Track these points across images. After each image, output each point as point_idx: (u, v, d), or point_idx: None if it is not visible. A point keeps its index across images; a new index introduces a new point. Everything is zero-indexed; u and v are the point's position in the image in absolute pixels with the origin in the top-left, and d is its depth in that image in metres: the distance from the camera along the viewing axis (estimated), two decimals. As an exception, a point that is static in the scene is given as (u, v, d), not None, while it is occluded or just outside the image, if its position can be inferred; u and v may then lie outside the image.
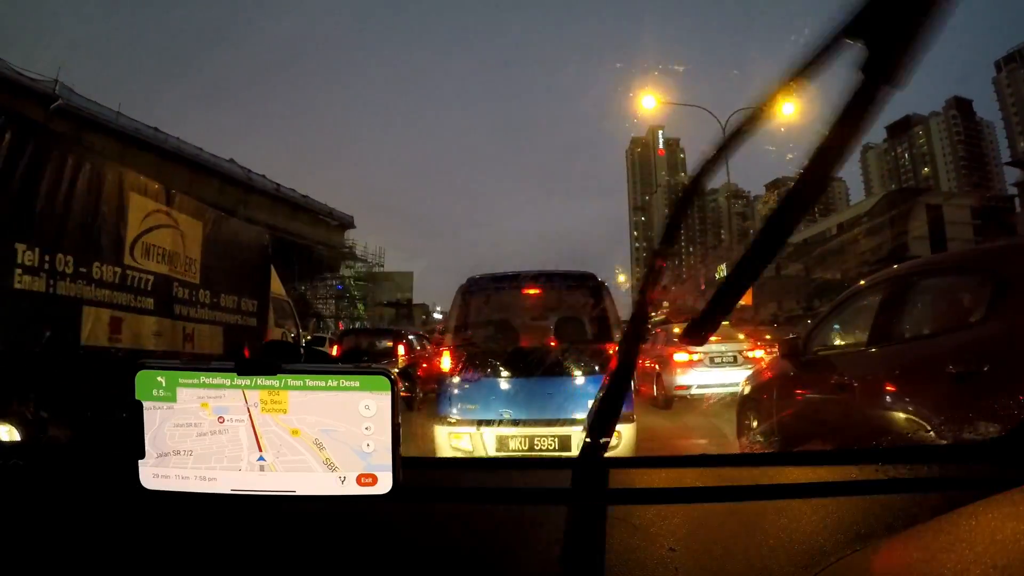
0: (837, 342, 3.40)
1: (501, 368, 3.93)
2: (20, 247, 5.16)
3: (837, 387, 2.91)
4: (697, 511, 0.83)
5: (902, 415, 2.38)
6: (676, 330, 9.51)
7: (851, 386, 2.81)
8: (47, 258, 5.41)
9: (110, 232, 6.00)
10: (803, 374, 3.39)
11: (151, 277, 6.56)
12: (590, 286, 4.33)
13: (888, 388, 2.60)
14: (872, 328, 2.88)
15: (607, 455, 0.88)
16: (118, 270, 6.04)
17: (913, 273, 3.06)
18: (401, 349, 10.50)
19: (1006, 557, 0.49)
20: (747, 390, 4.20)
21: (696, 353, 8.07)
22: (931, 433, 2.15)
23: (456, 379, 3.92)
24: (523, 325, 4.67)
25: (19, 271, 5.13)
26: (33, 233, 5.23)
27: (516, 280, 4.43)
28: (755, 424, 3.88)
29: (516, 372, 3.89)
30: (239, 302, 8.34)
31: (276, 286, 9.48)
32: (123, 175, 6.25)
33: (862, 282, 3.47)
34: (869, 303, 3.07)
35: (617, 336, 3.97)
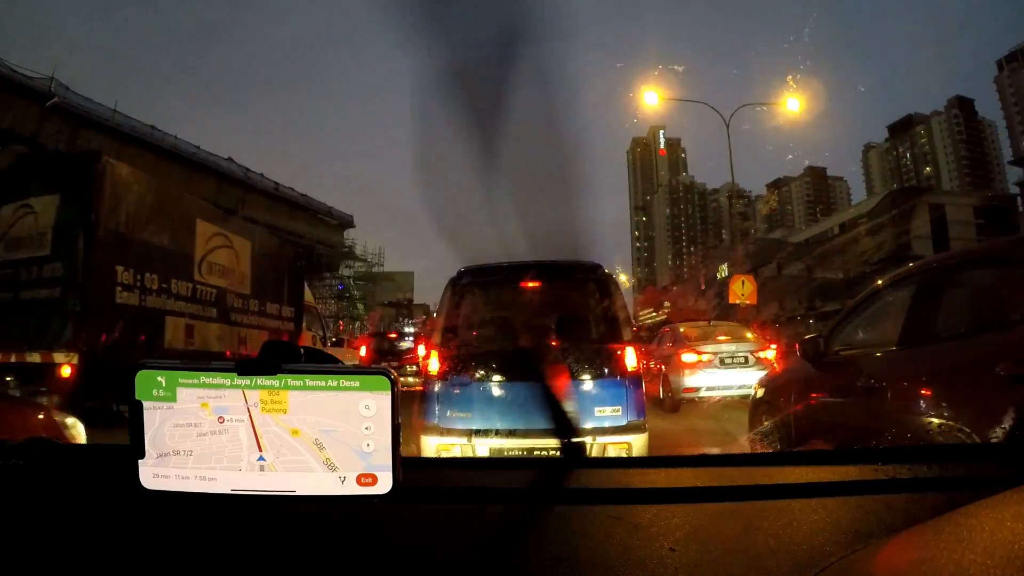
0: (862, 342, 3.17)
1: (496, 371, 3.48)
2: (119, 268, 6.58)
3: (865, 390, 2.70)
4: (697, 511, 0.83)
5: (942, 420, 2.17)
6: (682, 329, 9.33)
7: (881, 389, 2.61)
8: (139, 277, 6.80)
9: (184, 253, 7.46)
10: (825, 376, 3.18)
11: (214, 290, 8.04)
12: (597, 278, 3.89)
13: (925, 392, 2.40)
14: (903, 326, 2.67)
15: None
16: (190, 285, 7.50)
17: (950, 266, 2.80)
18: (422, 349, 11.14)
19: (1006, 557, 0.49)
20: (761, 393, 3.94)
21: (705, 353, 7.81)
22: (974, 433, 1.98)
23: (445, 384, 3.48)
24: (521, 322, 4.10)
25: (119, 288, 6.58)
26: (128, 256, 6.62)
27: (514, 271, 3.91)
28: (771, 429, 3.63)
29: (513, 376, 3.41)
30: (280, 309, 10.05)
31: (307, 295, 10.84)
32: (193, 203, 7.85)
33: (879, 281, 3.29)
34: (897, 300, 2.87)
35: (627, 335, 3.65)
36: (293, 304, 10.36)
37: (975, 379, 2.15)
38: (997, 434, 1.86)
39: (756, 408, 3.89)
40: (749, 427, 3.95)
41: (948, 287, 2.65)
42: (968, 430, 2.01)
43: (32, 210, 6.49)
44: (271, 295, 9.64)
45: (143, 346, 6.57)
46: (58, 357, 5.86)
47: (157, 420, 0.63)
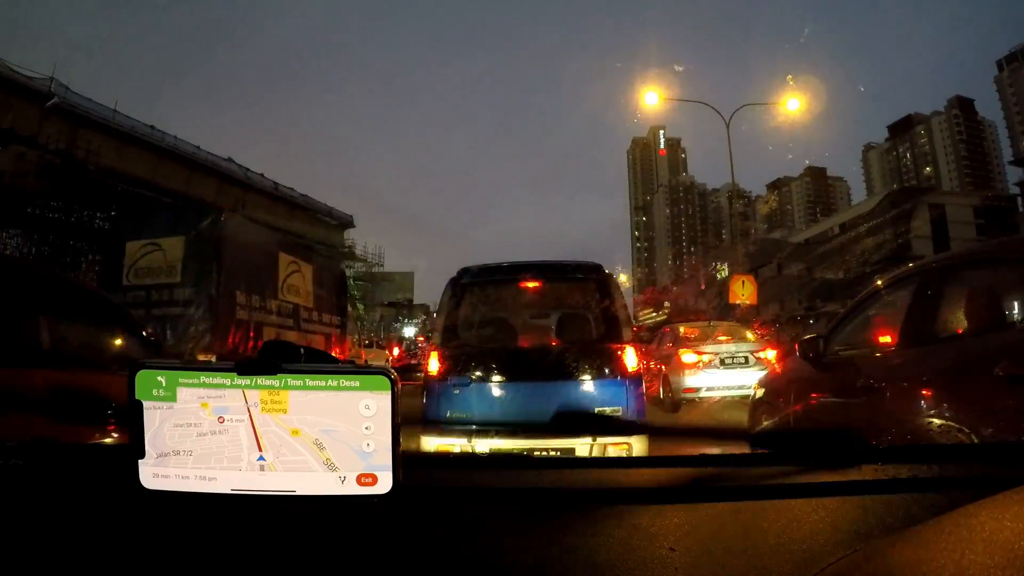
0: (862, 342, 3.19)
1: (496, 371, 3.47)
2: (237, 292, 9.42)
3: (864, 390, 2.71)
4: (697, 511, 0.83)
5: (940, 421, 2.18)
6: (682, 329, 9.33)
7: (880, 389, 2.62)
8: (248, 298, 9.60)
9: (272, 278, 10.39)
10: (825, 376, 3.19)
11: (291, 306, 11.13)
12: (596, 279, 3.88)
13: (923, 392, 2.40)
14: (903, 327, 2.69)
15: None
16: (277, 302, 10.38)
17: (948, 267, 2.79)
18: None
19: (1006, 557, 0.49)
20: (760, 393, 3.97)
21: (705, 353, 7.83)
22: (975, 434, 2.00)
23: (445, 383, 3.46)
24: (521, 323, 4.29)
25: (239, 307, 9.37)
26: (241, 283, 9.45)
27: (514, 272, 3.96)
28: (771, 429, 3.61)
29: (513, 376, 3.43)
30: (331, 318, 12.98)
31: (305, 297, 12.97)
32: (276, 239, 10.79)
33: (879, 282, 3.30)
34: (896, 300, 2.88)
35: (627, 335, 3.63)
36: (340, 313, 13.52)
37: (973, 380, 2.15)
38: (995, 435, 1.90)
39: (756, 408, 3.90)
40: (748, 426, 3.90)
41: (947, 288, 2.63)
42: (967, 430, 2.02)
43: (160, 248, 9.16)
44: (326, 307, 12.50)
45: (252, 349, 8.85)
46: (201, 358, 7.71)
47: (157, 420, 0.63)
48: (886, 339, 2.86)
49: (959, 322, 2.52)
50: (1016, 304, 2.31)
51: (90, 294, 3.36)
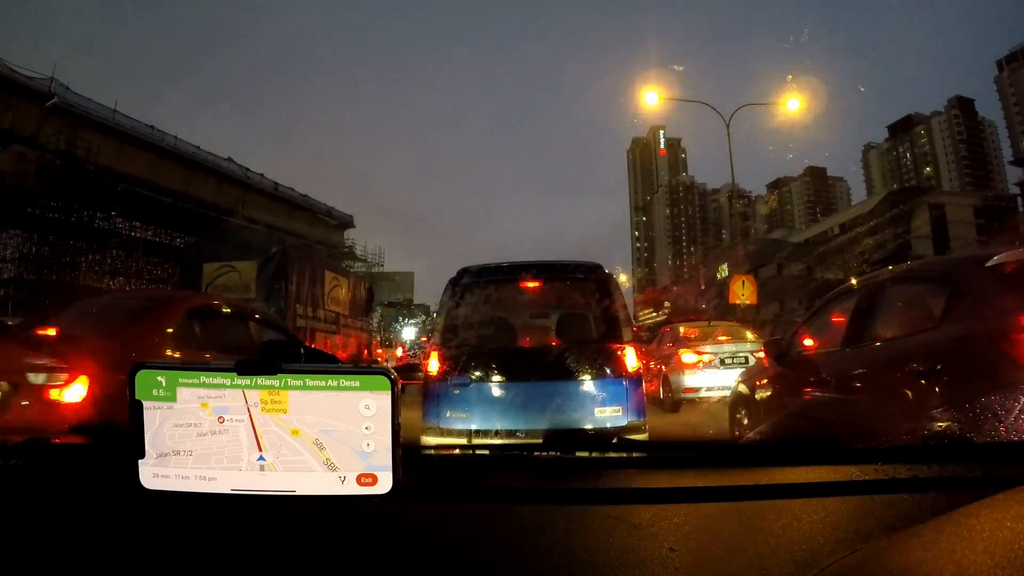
0: (819, 343, 3.61)
1: (496, 371, 3.46)
2: (297, 306, 13.26)
3: (817, 385, 3.24)
4: (697, 511, 0.83)
5: (873, 410, 2.67)
6: (682, 329, 9.34)
7: (828, 384, 3.14)
8: (305, 310, 13.36)
9: (320, 292, 13.85)
10: (787, 373, 3.65)
11: (334, 314, 14.68)
12: (597, 279, 3.88)
13: (861, 384, 2.91)
14: (847, 330, 3.17)
15: None
16: (324, 312, 13.95)
17: (883, 281, 3.32)
18: None
19: (1006, 557, 0.49)
20: (741, 387, 4.35)
21: (705, 353, 7.85)
22: (897, 425, 2.36)
23: (445, 384, 3.45)
24: (521, 323, 4.28)
25: (298, 317, 13.01)
26: (301, 298, 13.08)
27: (514, 272, 3.93)
28: (746, 422, 4.12)
29: (513, 376, 3.42)
30: (363, 323, 16.52)
31: (344, 307, 15.59)
32: (322, 258, 16.34)
33: (831, 293, 3.81)
34: (845, 308, 3.34)
35: (627, 335, 3.65)
36: (367, 318, 16.86)
37: (899, 374, 2.58)
38: (908, 418, 2.35)
39: (734, 403, 4.40)
40: (729, 416, 4.44)
41: (882, 299, 3.15)
42: (893, 417, 2.47)
43: (235, 269, 12.65)
44: (359, 313, 15.77)
45: (308, 351, 12.21)
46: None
47: (157, 420, 0.63)
48: (835, 341, 3.32)
49: (889, 327, 3.05)
50: (929, 314, 2.72)
51: (280, 327, 5.90)
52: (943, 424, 2.01)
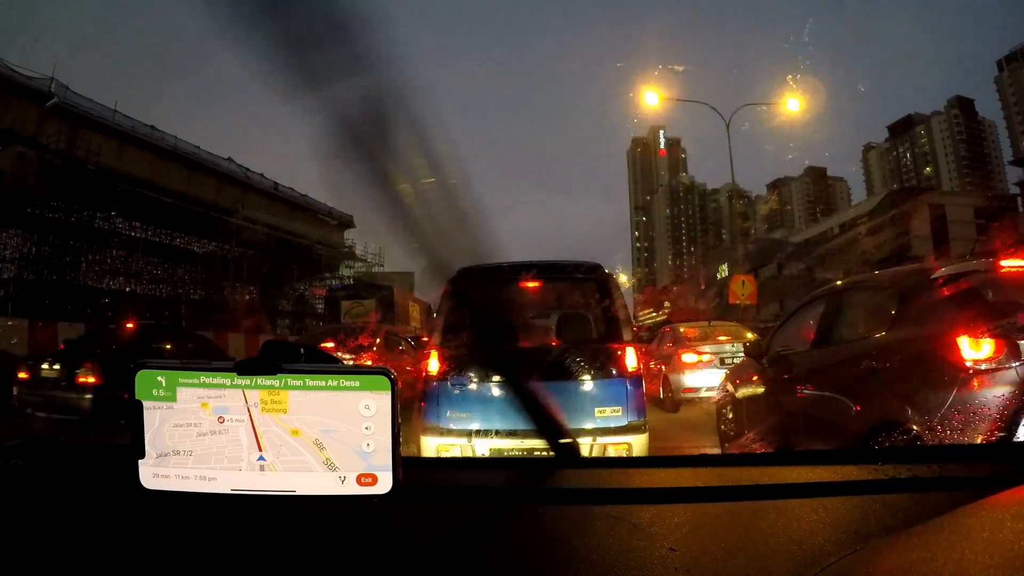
0: (791, 344, 3.99)
1: (496, 371, 3.24)
2: (398, 324, 19.97)
3: (789, 381, 3.62)
4: (697, 511, 0.83)
5: (834, 402, 3.06)
6: (682, 329, 9.34)
7: (798, 379, 3.54)
8: (401, 327, 18.53)
9: (406, 313, 21.68)
10: (764, 371, 4.02)
11: (413, 328, 18.41)
12: (597, 279, 3.89)
13: (826, 381, 3.27)
14: (816, 332, 3.58)
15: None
16: (408, 327, 19.12)
17: (846, 288, 3.80)
18: None
19: (1006, 557, 0.49)
20: (727, 385, 4.68)
21: (705, 353, 7.87)
22: (853, 411, 2.87)
23: (445, 384, 3.45)
24: (521, 323, 4.06)
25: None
26: (399, 319, 20.21)
27: (513, 272, 3.88)
28: (730, 416, 4.53)
29: (513, 376, 3.44)
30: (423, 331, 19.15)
31: (417, 322, 21.05)
32: (404, 288, 22.75)
33: (803, 298, 4.23)
34: (814, 313, 3.75)
35: (628, 335, 3.65)
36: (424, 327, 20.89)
37: (855, 371, 2.97)
38: (865, 409, 2.76)
39: (720, 401, 4.74)
40: (716, 413, 4.79)
41: (845, 306, 3.56)
42: (851, 404, 2.91)
43: (363, 303, 19.75)
44: (426, 328, 17.97)
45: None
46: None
47: (157, 420, 0.63)
48: (806, 342, 3.72)
49: (850, 330, 3.46)
50: (883, 318, 3.05)
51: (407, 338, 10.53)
52: (890, 413, 2.50)
